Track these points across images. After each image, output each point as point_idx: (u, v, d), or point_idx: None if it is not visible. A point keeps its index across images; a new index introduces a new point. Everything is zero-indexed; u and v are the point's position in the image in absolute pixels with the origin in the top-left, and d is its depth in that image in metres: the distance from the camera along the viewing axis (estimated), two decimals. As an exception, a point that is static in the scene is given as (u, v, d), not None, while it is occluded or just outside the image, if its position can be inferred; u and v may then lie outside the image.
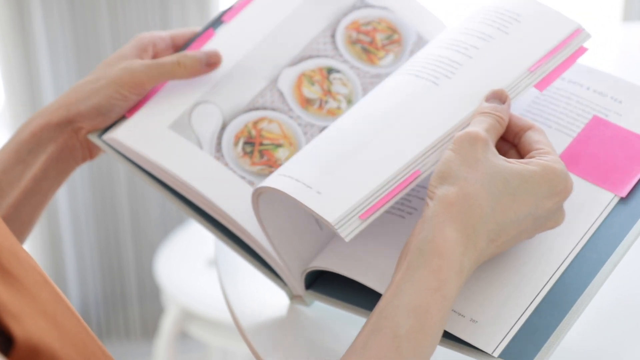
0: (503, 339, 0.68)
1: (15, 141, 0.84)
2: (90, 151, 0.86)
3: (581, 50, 0.77)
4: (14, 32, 1.82)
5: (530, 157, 0.69)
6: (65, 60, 1.87)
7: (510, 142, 0.73)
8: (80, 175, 1.97)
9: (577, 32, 0.77)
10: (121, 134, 0.82)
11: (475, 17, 0.79)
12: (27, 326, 0.52)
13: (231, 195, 0.80)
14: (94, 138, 0.84)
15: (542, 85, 0.75)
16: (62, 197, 1.96)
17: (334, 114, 0.85)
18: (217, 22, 0.89)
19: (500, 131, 0.71)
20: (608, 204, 0.73)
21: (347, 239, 0.68)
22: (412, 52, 0.88)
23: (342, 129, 0.75)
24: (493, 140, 0.70)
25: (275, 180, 0.72)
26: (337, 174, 0.71)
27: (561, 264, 0.71)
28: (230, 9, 0.90)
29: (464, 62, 0.76)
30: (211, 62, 0.85)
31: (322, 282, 0.79)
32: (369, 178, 0.70)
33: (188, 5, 1.88)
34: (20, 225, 0.85)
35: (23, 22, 1.81)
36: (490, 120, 0.70)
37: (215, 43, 0.87)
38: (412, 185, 0.71)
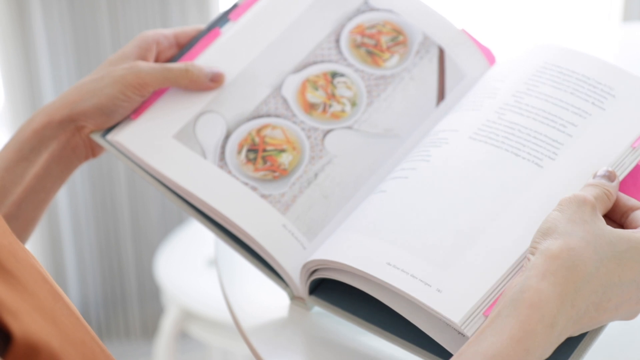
0: None
1: (18, 139, 0.84)
2: (93, 149, 0.86)
3: None
4: (14, 32, 1.82)
5: None
6: (65, 60, 1.87)
7: (617, 222, 0.70)
8: (80, 175, 1.97)
9: None
10: (126, 139, 0.82)
11: (565, 86, 0.77)
12: (25, 323, 0.52)
13: (234, 201, 0.80)
14: (97, 137, 0.84)
15: None
16: (62, 197, 1.96)
17: (338, 117, 0.85)
18: (224, 20, 0.89)
19: (608, 205, 0.68)
20: None
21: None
22: (417, 53, 0.88)
23: (447, 212, 0.72)
24: (600, 211, 0.67)
25: (389, 274, 0.70)
26: (454, 269, 0.69)
27: None
28: (237, 6, 0.89)
29: (565, 142, 0.74)
30: (215, 80, 0.85)
31: (325, 287, 0.79)
32: (489, 271, 0.68)
33: (188, 5, 1.88)
34: (23, 223, 0.85)
35: (23, 22, 1.81)
36: (599, 191, 0.68)
37: (220, 47, 0.87)
38: None
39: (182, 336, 2.02)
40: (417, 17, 0.89)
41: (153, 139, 0.82)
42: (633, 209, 0.69)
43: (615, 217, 0.70)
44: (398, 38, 0.89)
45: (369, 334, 0.75)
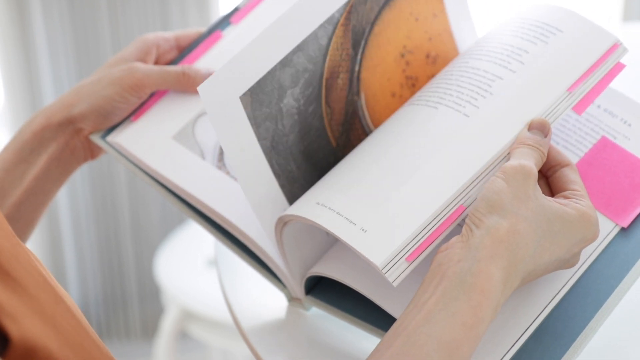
0: None
1: (17, 141, 0.84)
2: (92, 151, 0.86)
3: (618, 67, 0.74)
4: (14, 32, 1.82)
5: (565, 197, 0.68)
6: (65, 60, 1.87)
7: (544, 174, 0.71)
8: (81, 175, 1.97)
9: (615, 47, 0.74)
10: (125, 141, 0.82)
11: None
12: (24, 326, 0.52)
13: (232, 202, 0.80)
14: (96, 139, 0.84)
15: (580, 107, 0.72)
16: (62, 197, 1.96)
17: None
18: (225, 23, 0.88)
19: (541, 164, 0.69)
20: (608, 234, 0.72)
21: (395, 284, 0.65)
22: None
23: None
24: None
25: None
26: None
27: (558, 292, 0.69)
28: (238, 10, 0.89)
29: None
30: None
31: (322, 287, 0.79)
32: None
33: (188, 5, 1.88)
34: (22, 224, 0.86)
35: (23, 22, 1.81)
36: (537, 154, 0.68)
37: (221, 50, 0.87)
38: (457, 222, 0.68)
39: (182, 336, 2.02)
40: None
41: (152, 140, 0.82)
42: (561, 165, 0.70)
43: (543, 169, 0.71)
44: None
45: (366, 333, 0.76)
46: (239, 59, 0.73)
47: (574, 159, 0.75)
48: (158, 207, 2.02)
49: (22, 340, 0.52)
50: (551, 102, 0.72)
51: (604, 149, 0.75)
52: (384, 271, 0.65)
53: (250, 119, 0.74)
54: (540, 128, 0.70)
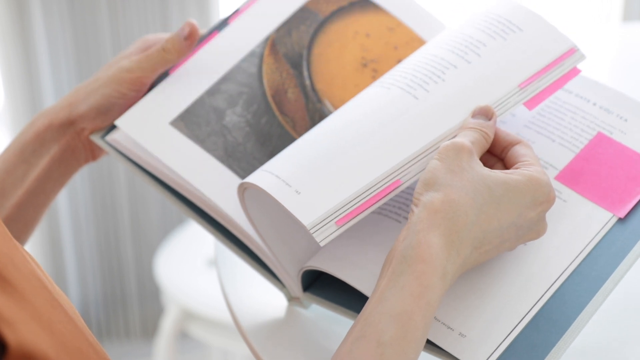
0: (491, 355, 0.67)
1: (19, 141, 0.85)
2: (93, 152, 0.87)
3: (574, 72, 0.76)
4: (14, 32, 1.82)
5: (515, 169, 0.69)
6: (65, 60, 1.87)
7: (497, 156, 0.72)
8: (81, 176, 1.97)
9: (571, 52, 0.76)
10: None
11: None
12: (21, 332, 0.52)
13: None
14: (96, 139, 0.84)
15: (531, 103, 0.74)
16: (62, 197, 1.96)
17: None
18: (223, 24, 0.89)
19: (485, 146, 0.71)
20: (606, 224, 0.73)
21: (322, 244, 0.68)
22: None
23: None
24: (478, 153, 0.70)
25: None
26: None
27: (555, 281, 0.70)
28: (236, 11, 0.90)
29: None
30: (186, 34, 0.83)
31: (320, 284, 0.79)
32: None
33: (188, 5, 1.88)
34: (23, 225, 0.86)
35: (23, 22, 1.81)
36: (476, 134, 0.70)
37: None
38: (392, 195, 0.70)
39: (182, 336, 2.02)
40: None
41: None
42: (512, 144, 0.72)
43: (496, 152, 0.72)
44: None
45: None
46: (156, 94, 0.80)
47: (569, 155, 0.76)
48: (158, 207, 2.02)
49: (19, 347, 0.52)
50: (501, 95, 0.74)
51: (600, 143, 0.77)
52: (312, 231, 0.67)
53: (190, 137, 0.80)
54: (483, 113, 0.72)
